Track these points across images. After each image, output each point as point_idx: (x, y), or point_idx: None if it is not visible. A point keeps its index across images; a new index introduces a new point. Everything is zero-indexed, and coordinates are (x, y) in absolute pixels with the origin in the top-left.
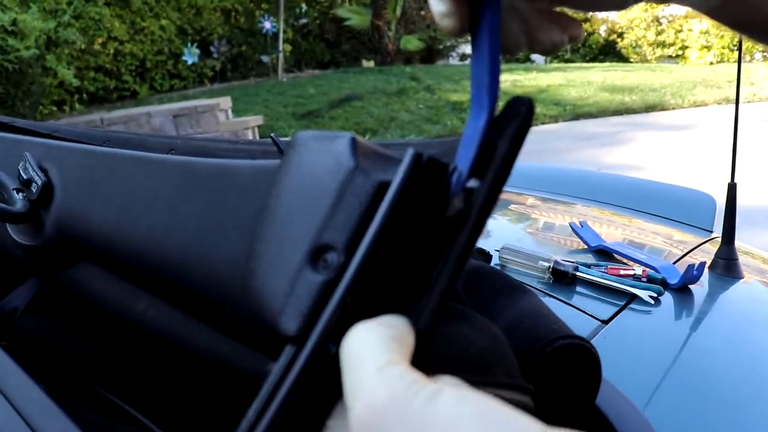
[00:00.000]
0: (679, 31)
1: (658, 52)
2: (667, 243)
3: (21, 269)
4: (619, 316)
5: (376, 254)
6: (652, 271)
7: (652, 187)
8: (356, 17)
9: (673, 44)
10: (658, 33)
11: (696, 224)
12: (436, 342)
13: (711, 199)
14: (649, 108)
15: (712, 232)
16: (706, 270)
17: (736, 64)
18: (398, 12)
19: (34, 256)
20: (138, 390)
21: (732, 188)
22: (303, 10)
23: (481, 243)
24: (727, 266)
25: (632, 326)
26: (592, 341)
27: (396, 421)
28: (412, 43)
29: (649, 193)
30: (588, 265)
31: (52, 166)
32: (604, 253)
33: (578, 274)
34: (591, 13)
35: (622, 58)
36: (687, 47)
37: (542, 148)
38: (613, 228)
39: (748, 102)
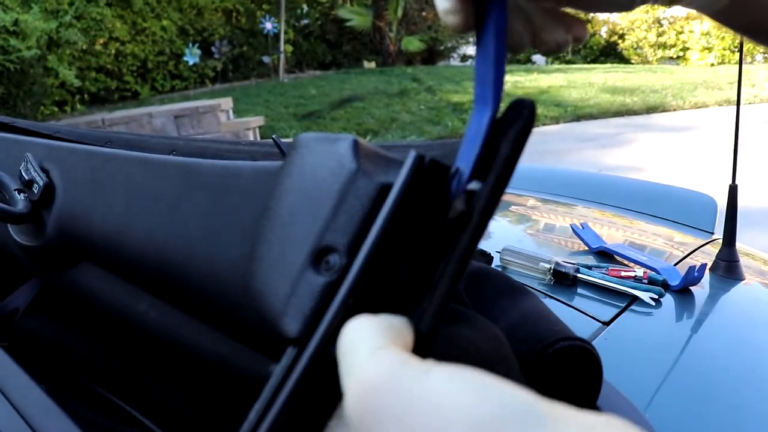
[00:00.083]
0: (680, 33)
1: (659, 53)
2: (668, 244)
3: (22, 270)
4: (620, 317)
5: (378, 256)
6: (653, 272)
7: (653, 189)
8: (357, 18)
9: (674, 46)
10: (659, 34)
11: (697, 226)
12: (437, 343)
13: (712, 200)
14: (650, 109)
15: (713, 233)
16: (707, 272)
17: (737, 66)
18: (399, 13)
19: (36, 256)
20: (139, 390)
21: (733, 190)
22: (304, 11)
23: (483, 244)
24: (728, 268)
25: (633, 328)
26: (593, 343)
27: (389, 398)
28: (413, 44)
29: (650, 195)
30: (589, 267)
31: (54, 167)
32: (605, 255)
33: (579, 275)
34: (592, 14)
35: (623, 60)
36: (688, 49)
37: (543, 149)
38: (614, 229)
39: (749, 103)
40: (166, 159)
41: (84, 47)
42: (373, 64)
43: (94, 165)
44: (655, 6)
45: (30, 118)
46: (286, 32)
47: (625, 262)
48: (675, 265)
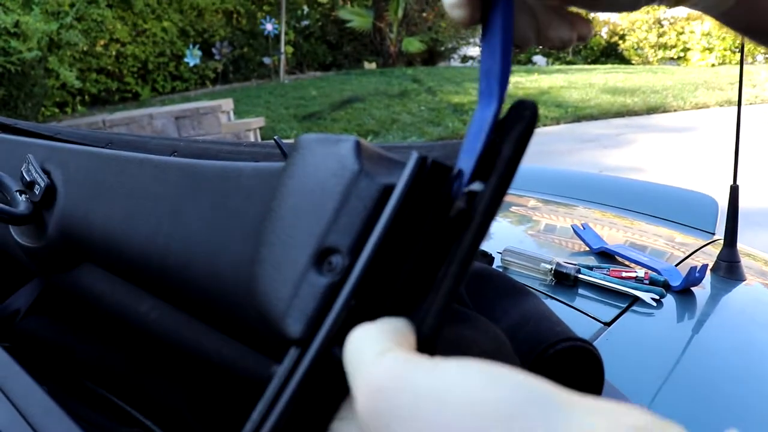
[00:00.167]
0: (681, 33)
1: (660, 54)
2: (669, 245)
3: (23, 271)
4: (621, 318)
5: (381, 257)
6: (654, 273)
7: (654, 189)
8: (358, 19)
9: (674, 46)
10: (660, 35)
11: (698, 226)
12: (438, 344)
13: (713, 201)
14: (651, 110)
15: (714, 234)
16: (708, 272)
17: (738, 66)
18: (400, 14)
19: (37, 257)
20: (140, 391)
21: (734, 190)
22: (305, 12)
23: (483, 245)
24: (729, 268)
25: (634, 328)
26: (595, 343)
27: (399, 397)
28: (413, 45)
29: (651, 195)
30: (590, 267)
31: (55, 168)
32: (606, 256)
33: (580, 276)
34: (594, 15)
35: (624, 60)
36: (689, 49)
37: (544, 149)
38: (615, 230)
39: (750, 104)
40: (167, 160)
41: (85, 49)
42: (373, 65)
43: (96, 166)
44: (658, 6)
45: (31, 119)
46: (286, 33)
47: (626, 262)
48: (676, 265)
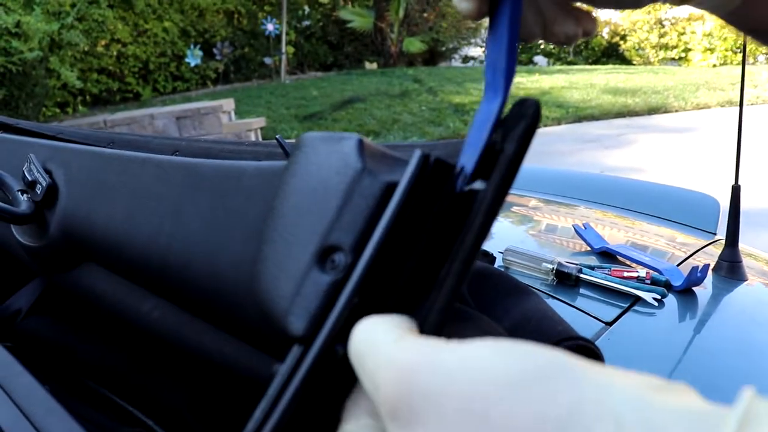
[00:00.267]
0: (682, 34)
1: (661, 54)
2: (671, 245)
3: (25, 270)
4: (622, 318)
5: (384, 255)
6: (655, 273)
7: (655, 190)
8: (359, 19)
9: (676, 47)
10: (661, 35)
11: (699, 226)
12: None
13: (714, 201)
14: (652, 110)
15: (715, 234)
16: (709, 272)
17: (740, 67)
18: (401, 14)
19: (38, 257)
20: (142, 391)
21: (736, 190)
22: (306, 12)
23: (485, 245)
24: (730, 268)
25: (636, 328)
26: (596, 343)
27: (427, 377)
28: (414, 45)
29: (653, 196)
30: (591, 267)
31: (57, 168)
32: (608, 255)
33: (582, 276)
34: (594, 15)
35: (625, 61)
36: (690, 50)
37: (545, 150)
38: (617, 230)
39: (752, 104)
40: (169, 159)
41: (86, 49)
42: (374, 66)
43: (97, 166)
44: (659, 6)
45: (32, 119)
46: (287, 33)
47: (628, 262)
48: (678, 265)
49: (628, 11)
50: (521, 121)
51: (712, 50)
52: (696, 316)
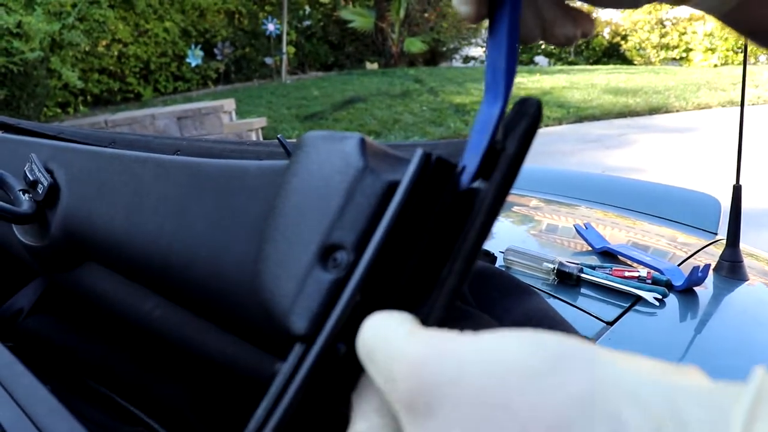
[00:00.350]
0: (683, 34)
1: (662, 54)
2: (672, 245)
3: (26, 270)
4: (623, 317)
5: (386, 253)
6: (656, 273)
7: (656, 190)
8: (360, 19)
9: (677, 47)
10: (662, 35)
11: (700, 226)
12: None
13: (715, 201)
14: (653, 110)
15: (716, 234)
16: (710, 272)
17: (741, 67)
18: (402, 14)
19: (40, 256)
20: (144, 390)
21: (737, 190)
22: (306, 12)
23: (486, 244)
24: (731, 268)
25: (637, 328)
26: (597, 342)
27: (444, 368)
28: (415, 45)
29: (654, 196)
30: (592, 267)
31: (58, 168)
32: (609, 255)
33: (583, 275)
34: (595, 15)
35: (626, 61)
36: (691, 50)
37: (546, 150)
38: (618, 230)
39: (753, 104)
40: (170, 159)
41: (87, 49)
42: (375, 66)
43: (99, 165)
44: (660, 6)
45: (33, 119)
46: (288, 33)
47: (629, 262)
48: (679, 265)
49: (629, 11)
50: (523, 121)
51: (713, 50)
52: (697, 316)
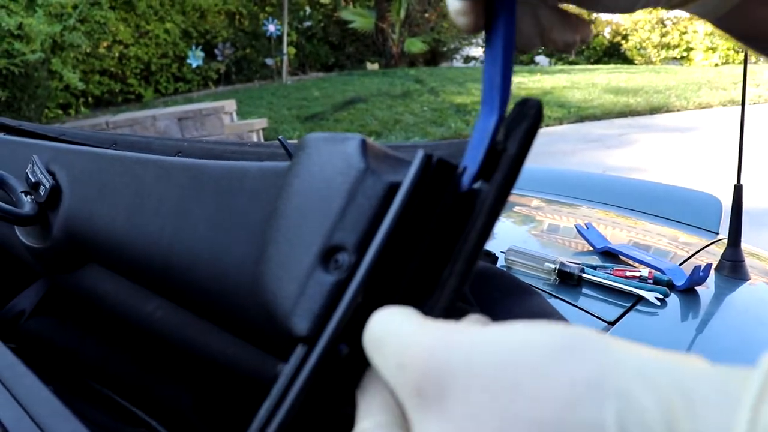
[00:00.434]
0: (684, 33)
1: (663, 53)
2: (673, 245)
3: (28, 272)
4: (625, 317)
5: (387, 254)
6: (658, 272)
7: (657, 189)
8: (360, 20)
9: (677, 46)
10: (663, 35)
11: (702, 226)
12: None
13: (717, 200)
14: (654, 110)
15: (718, 233)
16: (712, 272)
17: (742, 66)
18: (402, 14)
19: (42, 258)
20: (145, 391)
21: (738, 190)
22: (307, 13)
23: (487, 245)
24: (733, 268)
25: (638, 328)
26: None
27: (455, 356)
28: (416, 45)
29: (655, 195)
30: (594, 267)
31: (60, 169)
32: (610, 255)
33: (584, 275)
34: (595, 15)
35: (627, 60)
36: (692, 49)
37: (547, 150)
38: (619, 230)
39: (754, 103)
40: (172, 160)
41: (88, 50)
42: (375, 66)
43: (101, 167)
44: (654, 9)
45: (34, 121)
46: (289, 34)
47: (630, 262)
48: (680, 265)
49: None
50: (523, 122)
51: (714, 49)
52: (698, 315)
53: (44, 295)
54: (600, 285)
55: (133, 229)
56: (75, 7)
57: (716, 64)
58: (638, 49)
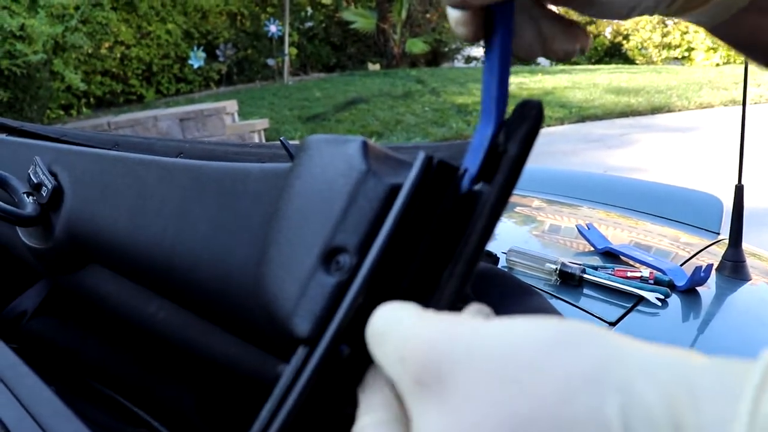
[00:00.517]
0: (685, 33)
1: (664, 53)
2: (674, 245)
3: (30, 272)
4: (626, 318)
5: (388, 256)
6: (659, 273)
7: (658, 189)
8: (362, 20)
9: (678, 46)
10: (664, 35)
11: (703, 226)
12: None
13: (718, 200)
14: (655, 110)
15: (719, 234)
16: (713, 272)
17: (743, 66)
18: (403, 15)
19: (44, 259)
20: (147, 392)
21: (739, 190)
22: (308, 14)
23: (488, 245)
24: (734, 268)
25: (639, 328)
26: None
27: (457, 347)
28: (417, 46)
29: (656, 195)
30: (595, 267)
31: (62, 170)
32: (611, 255)
33: (585, 276)
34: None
35: (628, 60)
36: (693, 49)
37: (548, 150)
38: (620, 230)
39: (755, 103)
40: (174, 162)
41: (89, 51)
42: (377, 67)
43: (102, 168)
44: (650, 16)
45: (36, 121)
46: (290, 35)
47: (631, 262)
48: (681, 265)
49: None
50: (524, 123)
51: (715, 49)
52: (699, 316)
53: (46, 295)
54: (601, 285)
55: (135, 230)
56: (77, 8)
57: (717, 64)
58: (639, 49)
